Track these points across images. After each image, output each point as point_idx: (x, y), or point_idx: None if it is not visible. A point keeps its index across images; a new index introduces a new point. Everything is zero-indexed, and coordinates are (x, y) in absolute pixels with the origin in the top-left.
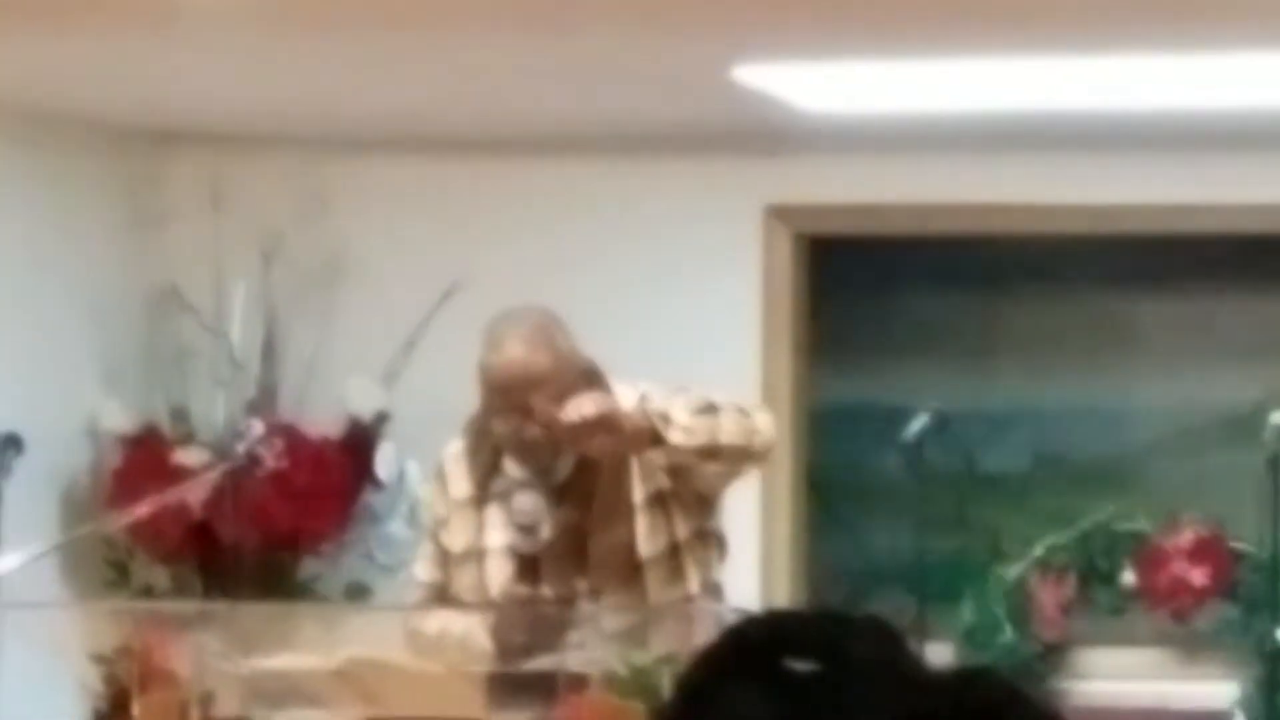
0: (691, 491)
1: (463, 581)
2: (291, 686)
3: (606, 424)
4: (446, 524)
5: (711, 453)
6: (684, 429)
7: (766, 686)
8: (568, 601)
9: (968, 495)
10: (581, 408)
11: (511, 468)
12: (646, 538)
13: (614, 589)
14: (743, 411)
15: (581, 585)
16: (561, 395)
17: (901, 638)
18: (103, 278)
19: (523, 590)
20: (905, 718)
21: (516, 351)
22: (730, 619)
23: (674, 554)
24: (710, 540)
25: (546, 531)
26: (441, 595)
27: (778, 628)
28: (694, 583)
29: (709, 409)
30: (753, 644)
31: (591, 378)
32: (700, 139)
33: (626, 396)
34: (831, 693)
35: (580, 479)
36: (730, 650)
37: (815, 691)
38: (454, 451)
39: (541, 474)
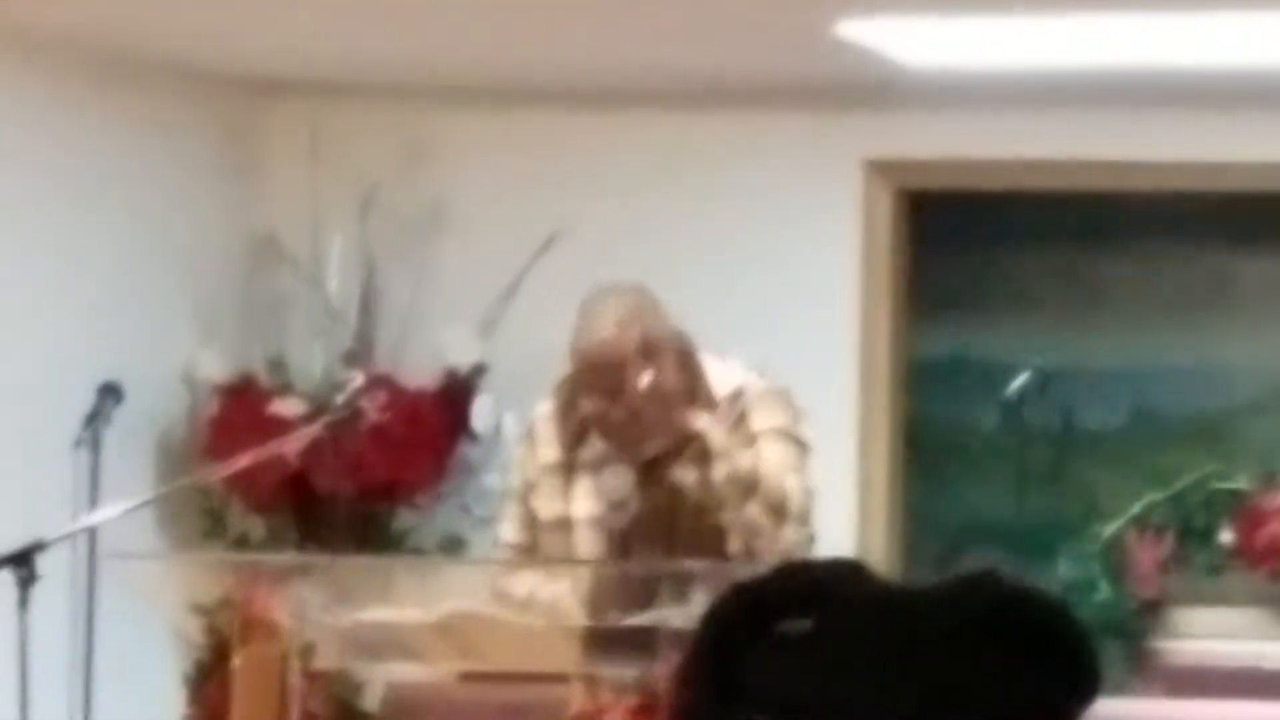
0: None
1: (550, 549)
2: (391, 639)
3: (657, 397)
4: (536, 487)
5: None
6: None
7: (771, 644)
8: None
9: (1066, 452)
10: (646, 379)
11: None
12: (735, 535)
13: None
14: (780, 471)
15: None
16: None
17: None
18: (201, 227)
19: (608, 599)
20: (909, 643)
21: (608, 333)
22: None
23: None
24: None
25: (635, 507)
26: (528, 558)
27: (770, 587)
28: None
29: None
30: (750, 603)
31: (684, 357)
32: (802, 93)
33: (719, 371)
34: (835, 638)
35: (670, 459)
36: (731, 612)
37: (818, 642)
38: (544, 413)
39: (630, 451)
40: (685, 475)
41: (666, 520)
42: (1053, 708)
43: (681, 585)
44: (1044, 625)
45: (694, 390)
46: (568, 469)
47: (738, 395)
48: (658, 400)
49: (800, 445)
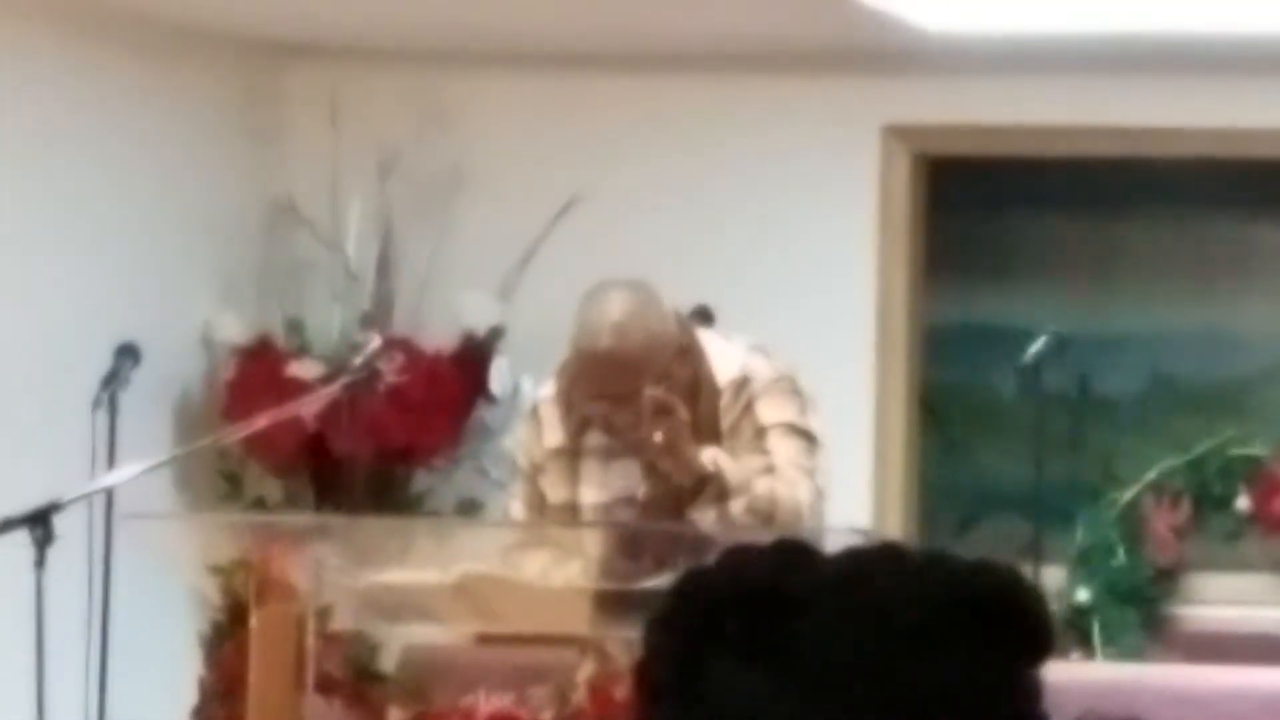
0: None
1: (557, 536)
2: (408, 601)
3: (671, 450)
4: (543, 470)
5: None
6: (731, 489)
7: (756, 657)
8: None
9: (1083, 418)
10: (655, 433)
11: None
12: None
13: None
14: (790, 480)
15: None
16: (654, 379)
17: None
18: (220, 190)
19: (621, 563)
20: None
21: (607, 342)
22: (851, 541)
23: None
24: None
25: (643, 495)
26: (538, 539)
27: (720, 583)
28: None
29: (760, 491)
30: (703, 604)
31: (686, 353)
32: (820, 57)
33: (723, 352)
34: (794, 645)
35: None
36: (685, 616)
37: (778, 649)
38: (547, 397)
39: (635, 449)
40: (704, 516)
41: (674, 505)
42: (1012, 680)
43: (696, 552)
44: (1001, 603)
45: (697, 421)
46: (573, 454)
47: (744, 383)
48: (669, 447)
49: (809, 439)
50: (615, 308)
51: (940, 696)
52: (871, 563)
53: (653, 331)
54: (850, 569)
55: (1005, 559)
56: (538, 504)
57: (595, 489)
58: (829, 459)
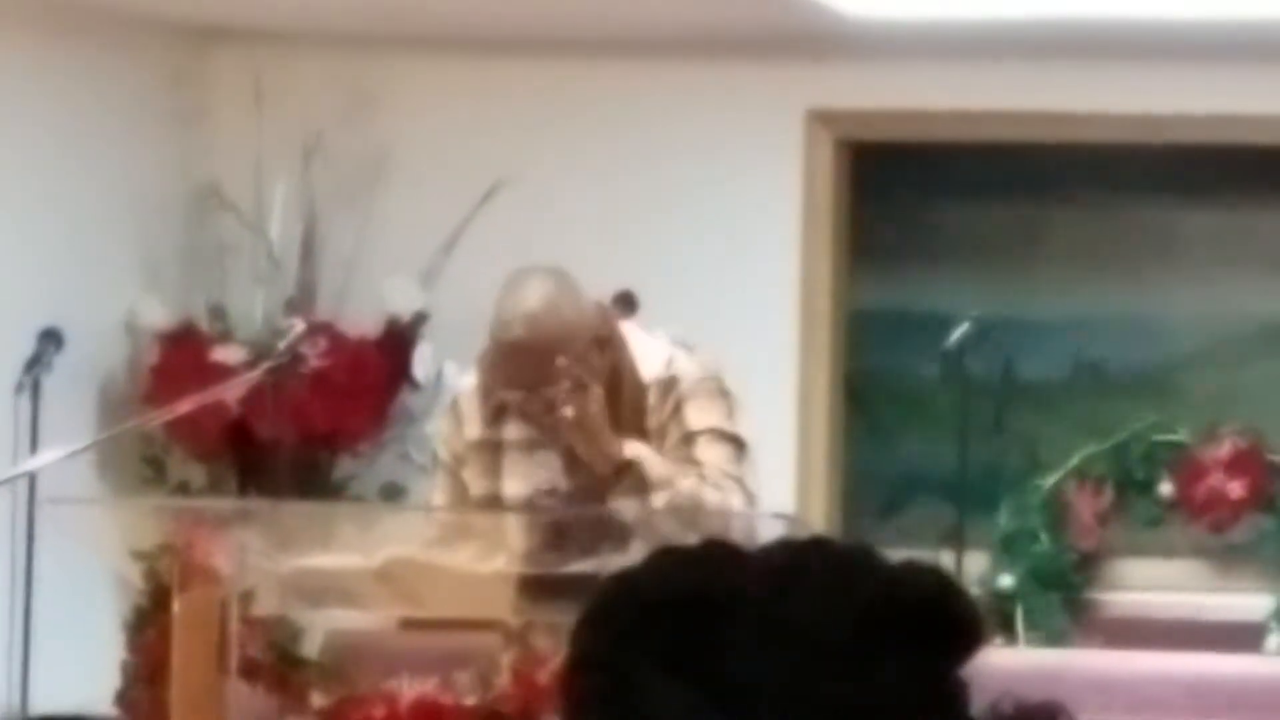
0: None
1: (483, 524)
2: (331, 585)
3: (583, 427)
4: (465, 463)
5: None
6: (651, 480)
7: (681, 668)
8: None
9: (1006, 404)
10: (570, 412)
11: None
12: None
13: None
14: (717, 484)
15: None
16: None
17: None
18: (144, 174)
19: (548, 556)
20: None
21: (520, 331)
22: (774, 526)
23: None
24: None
25: (565, 488)
26: (461, 532)
27: (650, 586)
28: None
29: (681, 486)
30: (634, 608)
31: (605, 344)
32: (745, 42)
33: (646, 346)
34: (746, 658)
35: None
36: (615, 620)
37: (708, 658)
38: (467, 390)
39: (552, 436)
40: (625, 508)
41: (598, 499)
42: (939, 685)
43: (619, 539)
44: (929, 610)
45: (619, 416)
46: (495, 447)
47: (671, 384)
48: (583, 428)
49: (737, 444)
50: (530, 296)
51: (866, 710)
52: (799, 568)
53: (567, 321)
54: (777, 575)
55: (931, 554)
56: (459, 496)
57: (518, 481)
58: (757, 462)
